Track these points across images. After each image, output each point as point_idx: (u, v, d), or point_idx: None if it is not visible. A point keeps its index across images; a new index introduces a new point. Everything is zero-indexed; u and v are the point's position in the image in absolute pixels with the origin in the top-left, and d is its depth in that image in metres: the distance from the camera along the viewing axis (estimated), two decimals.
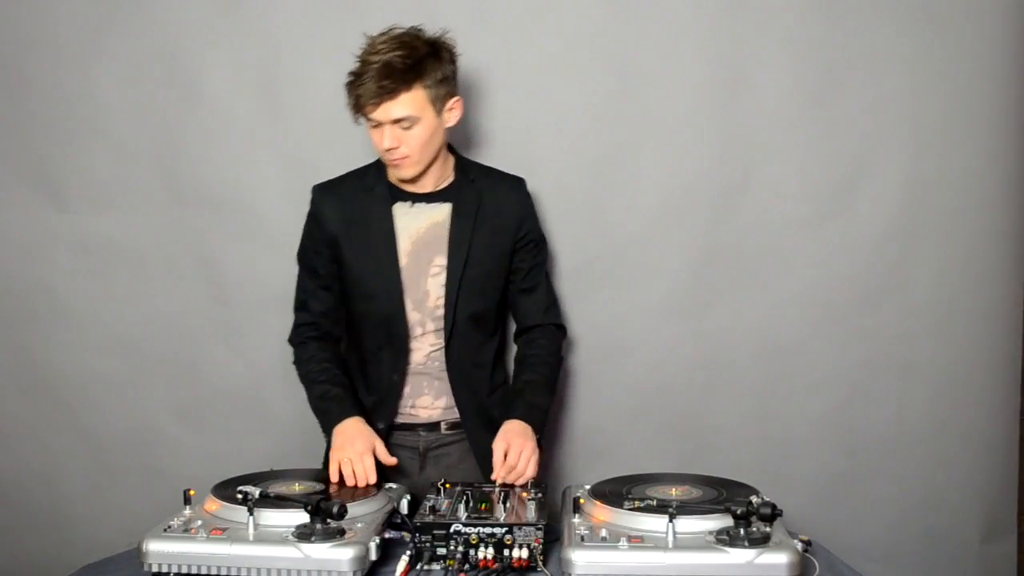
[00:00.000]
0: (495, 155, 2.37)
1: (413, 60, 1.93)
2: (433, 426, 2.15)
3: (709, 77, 2.41)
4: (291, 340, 2.19)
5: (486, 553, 1.62)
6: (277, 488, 1.82)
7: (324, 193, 2.14)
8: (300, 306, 2.18)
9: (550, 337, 2.21)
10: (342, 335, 2.21)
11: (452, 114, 2.05)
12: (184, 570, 1.59)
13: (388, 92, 1.92)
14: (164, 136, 2.47)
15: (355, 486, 1.90)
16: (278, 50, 2.42)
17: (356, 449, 1.93)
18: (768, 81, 2.40)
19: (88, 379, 2.56)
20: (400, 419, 2.15)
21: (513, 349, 2.29)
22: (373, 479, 1.91)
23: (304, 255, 2.17)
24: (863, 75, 2.39)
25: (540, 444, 2.03)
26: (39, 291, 2.54)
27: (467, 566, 1.63)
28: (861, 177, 2.44)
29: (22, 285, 2.55)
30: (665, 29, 2.39)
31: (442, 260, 2.09)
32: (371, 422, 2.07)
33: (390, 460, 1.98)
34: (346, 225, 2.10)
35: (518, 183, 2.20)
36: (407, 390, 2.14)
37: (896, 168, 2.43)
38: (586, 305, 2.48)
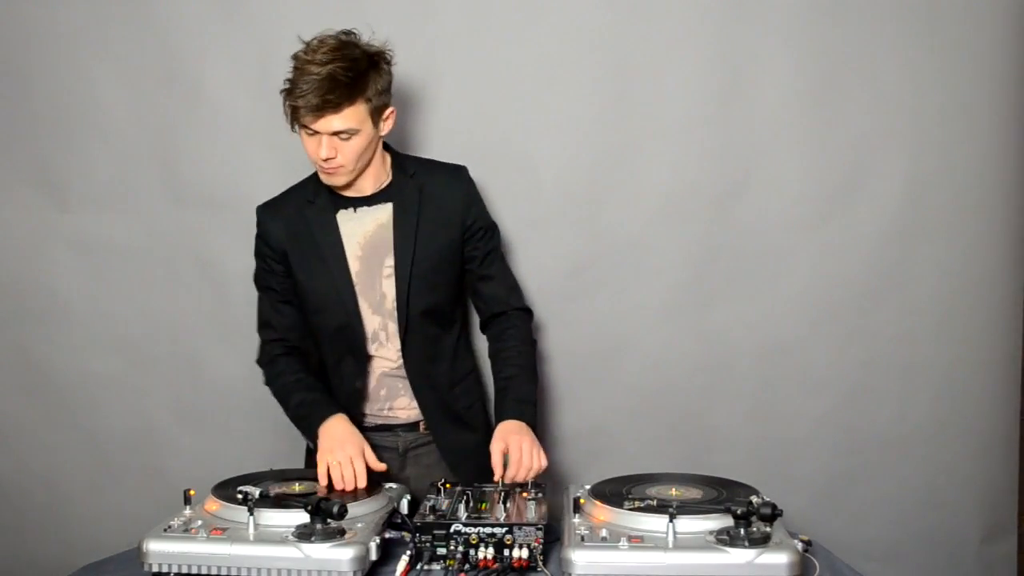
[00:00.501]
0: (495, 155, 2.37)
1: (355, 73, 1.91)
2: (412, 426, 2.16)
3: (709, 77, 2.41)
4: (259, 361, 2.16)
5: (486, 553, 1.62)
6: (277, 488, 1.82)
7: (267, 212, 2.13)
8: (263, 325, 2.15)
9: (519, 324, 2.17)
10: (309, 349, 2.16)
11: (387, 123, 2.04)
12: (184, 570, 1.59)
13: (333, 107, 1.90)
14: (164, 136, 2.47)
15: (344, 490, 1.87)
16: (278, 50, 2.41)
17: (346, 452, 1.89)
18: (768, 81, 2.40)
19: (88, 379, 2.56)
20: (379, 420, 2.15)
21: (476, 338, 2.28)
22: (363, 483, 1.87)
23: (259, 277, 2.15)
24: (863, 75, 2.39)
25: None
26: (39, 291, 2.54)
27: (467, 566, 1.62)
28: (861, 177, 2.44)
29: (22, 285, 2.55)
30: (665, 29, 2.39)
31: (392, 260, 2.08)
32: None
33: (379, 466, 1.94)
34: (293, 240, 2.09)
35: (458, 171, 2.17)
36: (383, 393, 2.14)
37: (896, 168, 2.43)
38: (587, 305, 2.48)
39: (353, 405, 2.12)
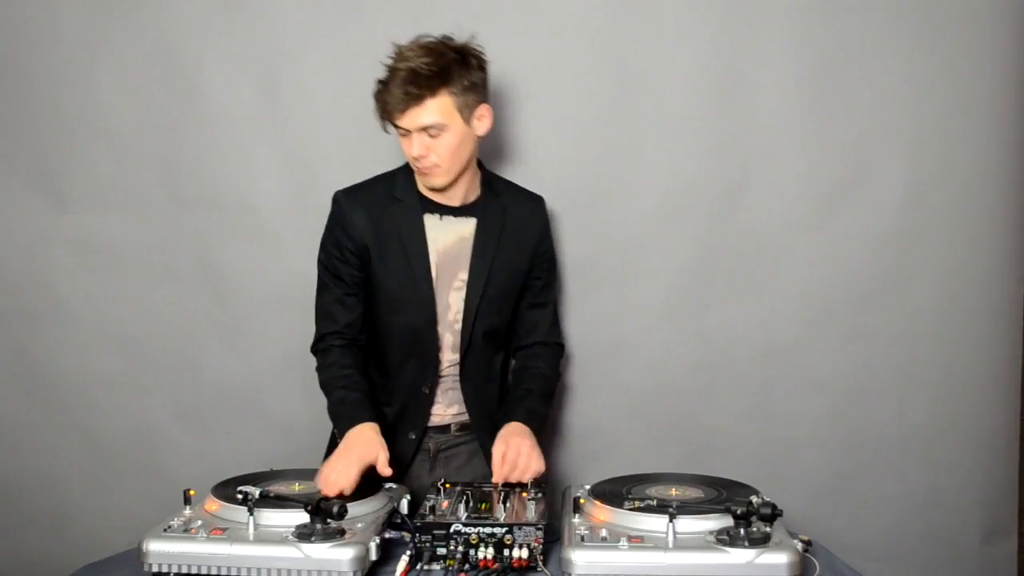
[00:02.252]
0: (495, 155, 2.37)
1: (439, 67, 1.91)
2: (443, 428, 2.16)
3: (709, 77, 2.41)
4: (314, 349, 2.12)
5: (486, 553, 1.62)
6: (277, 488, 1.82)
7: (350, 199, 2.08)
8: (324, 316, 2.10)
9: (552, 355, 2.23)
10: (364, 342, 2.14)
11: (482, 123, 2.02)
12: (184, 570, 1.59)
13: (414, 98, 1.90)
14: (164, 136, 2.47)
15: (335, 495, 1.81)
16: (278, 50, 2.42)
17: (348, 458, 1.85)
18: (768, 81, 2.40)
19: (88, 379, 2.56)
20: None
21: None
22: (348, 491, 1.80)
23: (329, 262, 2.09)
24: (863, 75, 2.39)
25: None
26: (39, 291, 2.54)
27: (467, 566, 1.63)
28: (861, 177, 2.43)
29: (22, 285, 2.55)
30: (665, 29, 2.39)
31: (465, 275, 2.09)
32: (392, 430, 2.05)
33: (387, 471, 1.89)
34: (376, 234, 2.06)
35: (540, 202, 2.22)
36: None
37: (896, 168, 2.43)
38: (586, 305, 2.48)
39: (419, 409, 2.11)
